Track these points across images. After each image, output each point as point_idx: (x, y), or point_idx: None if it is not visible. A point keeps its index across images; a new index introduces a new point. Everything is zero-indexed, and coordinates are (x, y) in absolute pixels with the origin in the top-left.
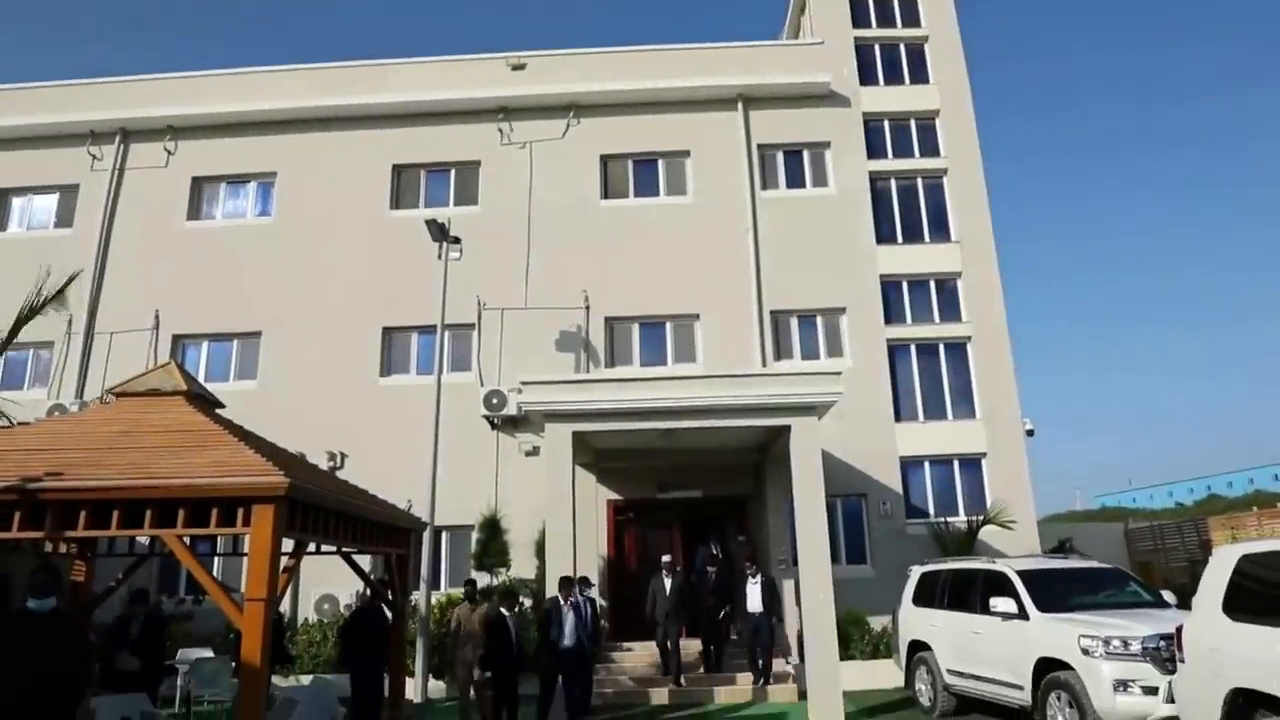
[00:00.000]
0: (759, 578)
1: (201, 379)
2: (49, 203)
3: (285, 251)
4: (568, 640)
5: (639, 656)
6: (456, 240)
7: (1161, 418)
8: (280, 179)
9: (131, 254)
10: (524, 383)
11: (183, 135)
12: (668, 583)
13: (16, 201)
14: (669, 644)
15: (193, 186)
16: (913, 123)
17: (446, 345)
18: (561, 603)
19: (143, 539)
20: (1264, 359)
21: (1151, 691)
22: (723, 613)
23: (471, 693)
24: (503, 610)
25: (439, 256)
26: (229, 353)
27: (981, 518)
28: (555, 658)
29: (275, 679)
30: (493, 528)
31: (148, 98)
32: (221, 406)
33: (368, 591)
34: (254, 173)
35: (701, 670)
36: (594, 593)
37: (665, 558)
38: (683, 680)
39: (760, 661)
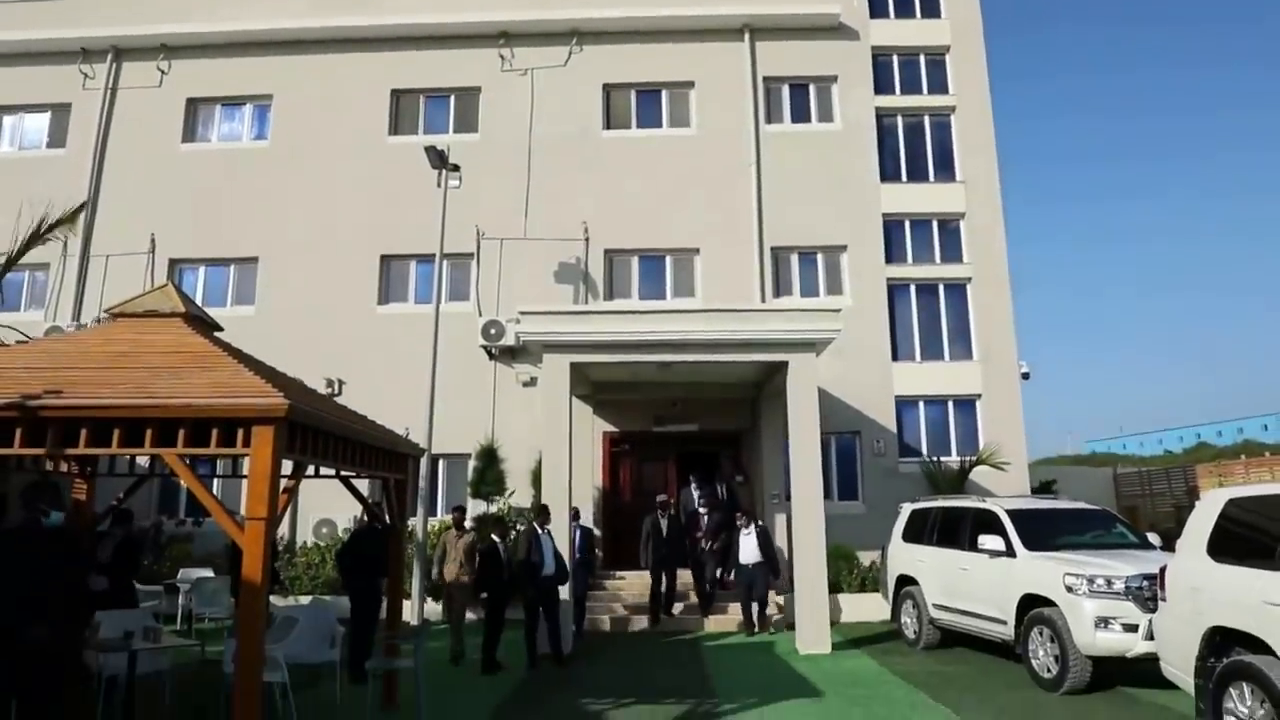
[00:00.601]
0: (753, 528)
1: (199, 304)
2: (40, 122)
3: (282, 176)
4: (548, 568)
5: (632, 585)
6: (456, 168)
7: (1155, 366)
8: (277, 102)
9: (126, 176)
10: (522, 313)
11: (176, 54)
12: (663, 523)
13: (7, 120)
14: (661, 587)
15: (187, 108)
16: (922, 58)
17: (445, 274)
18: (539, 531)
19: (143, 460)
20: (1260, 311)
21: (1132, 629)
22: (720, 569)
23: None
24: (494, 538)
25: (438, 184)
26: (226, 278)
27: (974, 458)
28: (535, 585)
29: (273, 599)
30: (490, 457)
31: (140, 14)
32: (220, 330)
33: (365, 516)
34: (250, 95)
35: (694, 599)
36: (588, 521)
37: (660, 497)
38: (675, 610)
39: (754, 613)
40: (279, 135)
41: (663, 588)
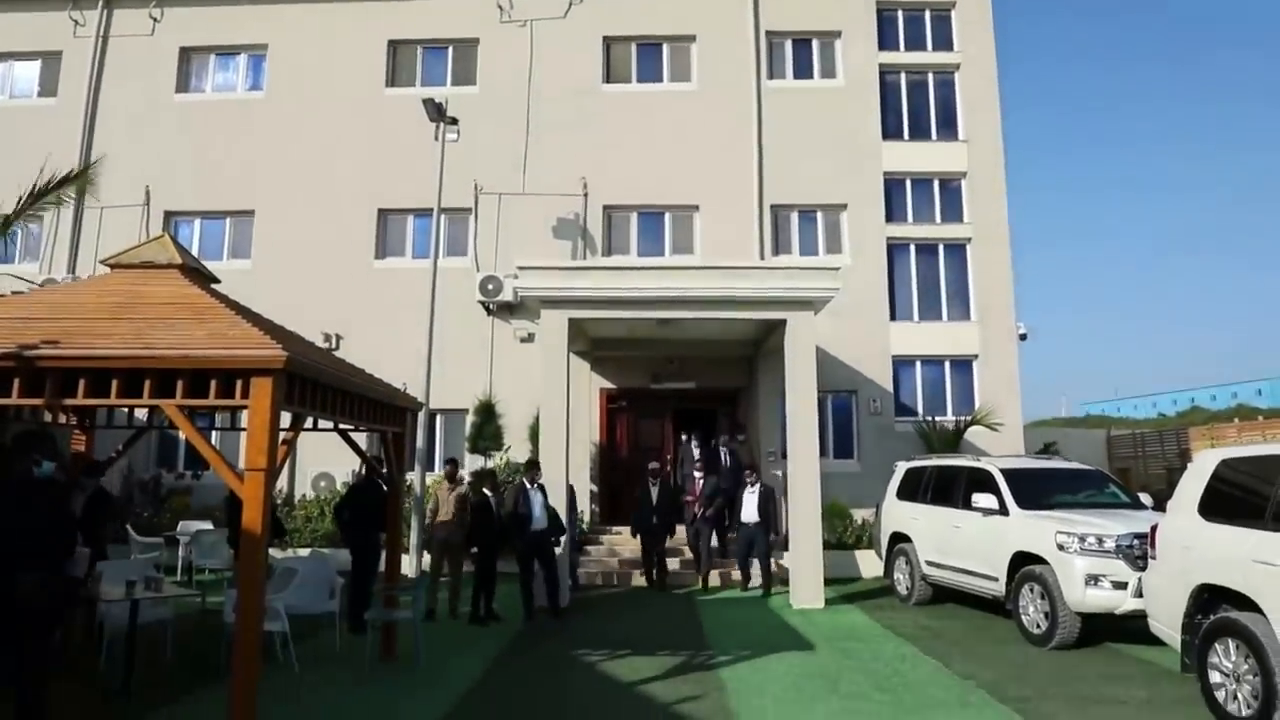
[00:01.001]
0: (758, 486)
1: (195, 257)
2: (31, 71)
3: (278, 128)
4: (537, 522)
5: (627, 541)
6: (454, 121)
7: (1151, 329)
8: (272, 52)
9: (119, 127)
10: (521, 268)
11: (169, 1)
12: (654, 490)
13: None
14: (654, 554)
15: (181, 57)
16: (927, 13)
17: (442, 229)
18: (529, 486)
19: (141, 414)
20: (1253, 276)
21: (1121, 586)
22: (715, 532)
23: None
24: (485, 492)
25: (435, 138)
26: (222, 231)
27: (969, 418)
28: (523, 539)
29: (272, 551)
30: (488, 412)
31: None
32: (217, 281)
33: (364, 470)
34: (244, 44)
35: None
36: (584, 478)
37: (652, 464)
38: (667, 580)
39: (749, 572)
40: (275, 86)
41: (654, 558)
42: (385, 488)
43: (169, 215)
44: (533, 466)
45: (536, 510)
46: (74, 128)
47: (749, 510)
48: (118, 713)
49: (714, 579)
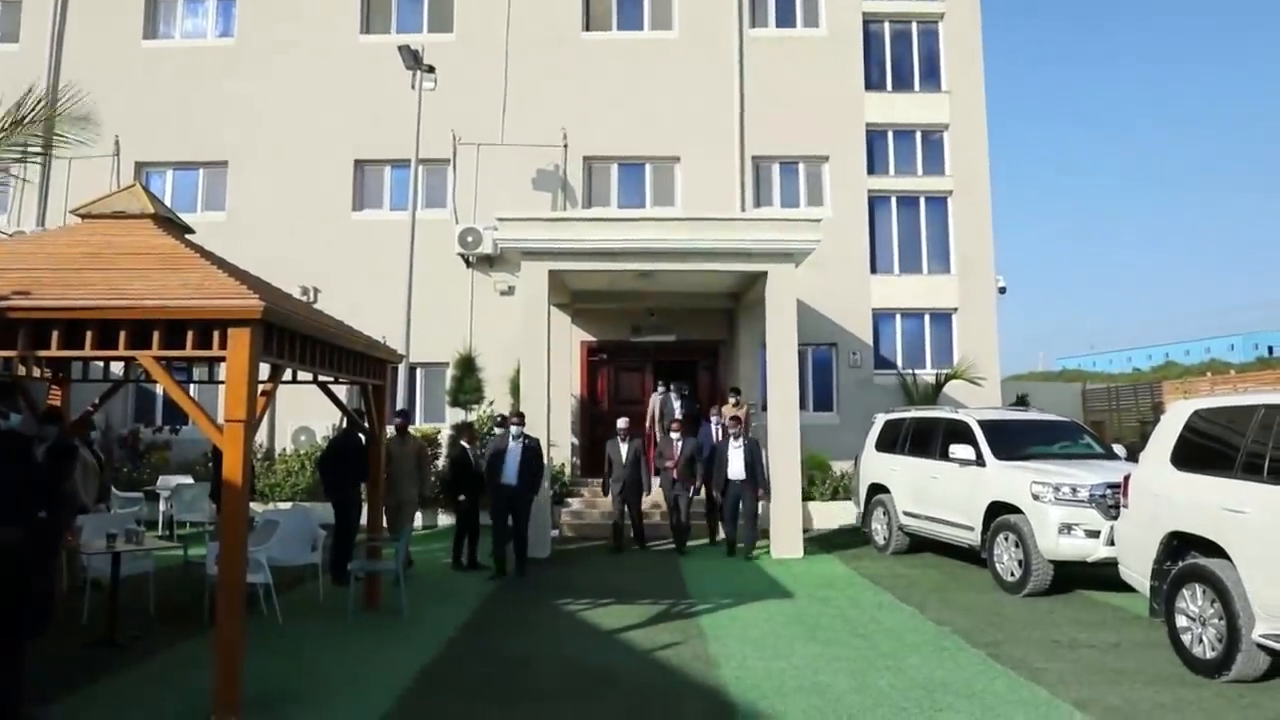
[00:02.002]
0: (742, 440)
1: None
2: None
3: (250, 76)
4: (507, 477)
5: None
6: (431, 69)
7: (1127, 286)
8: None
9: (85, 74)
10: (501, 219)
11: None
12: (624, 448)
13: None
14: (626, 517)
15: (147, 2)
16: None
17: (421, 180)
18: (510, 440)
19: (117, 370)
20: (1230, 233)
21: (1094, 535)
22: (695, 494)
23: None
24: (463, 444)
25: (412, 86)
26: (195, 182)
27: (949, 371)
28: (495, 493)
29: (253, 505)
30: (468, 366)
31: None
32: (191, 232)
33: (344, 423)
34: None
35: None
36: (565, 430)
37: (621, 422)
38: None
39: (731, 531)
40: (245, 33)
41: (626, 520)
42: (366, 441)
43: (140, 166)
44: (507, 421)
45: (510, 465)
46: (37, 74)
47: (735, 466)
48: (103, 664)
49: (695, 533)
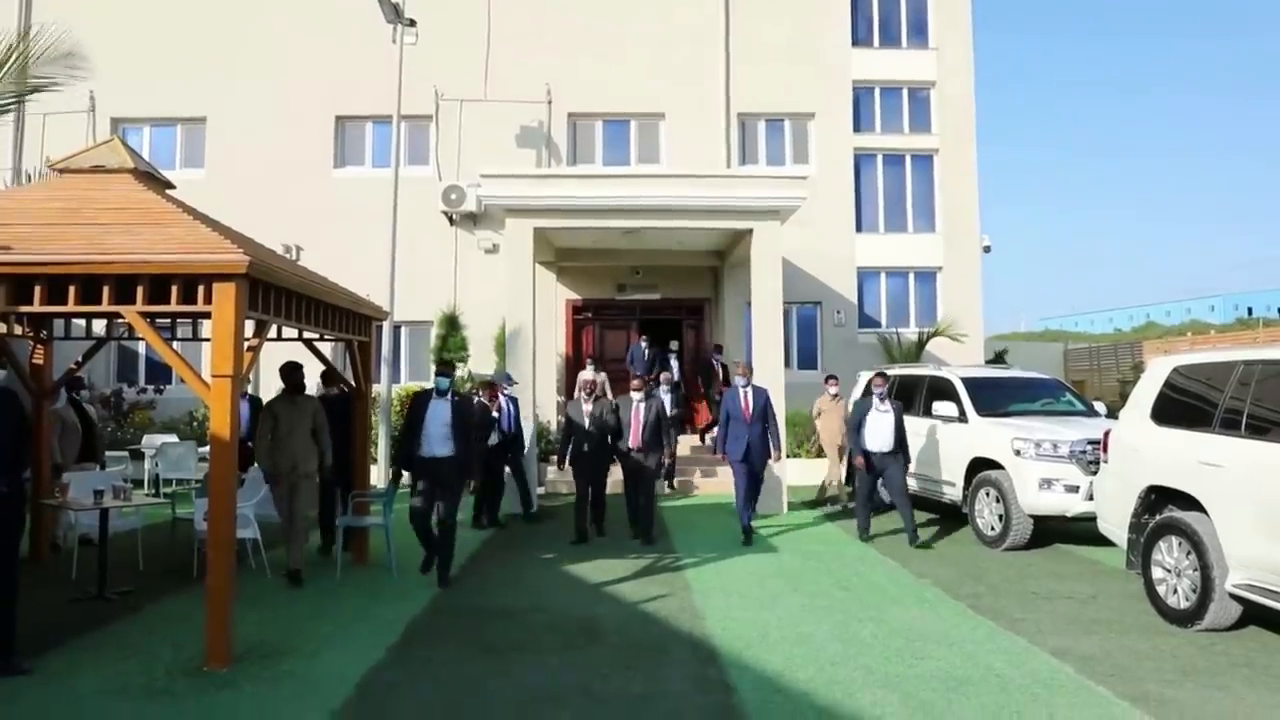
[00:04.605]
0: (889, 404)
1: None
2: None
3: (227, 28)
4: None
5: None
6: (412, 23)
7: (1109, 246)
8: None
9: (56, 24)
10: (484, 176)
11: None
12: (587, 409)
13: None
14: (588, 494)
15: None
16: None
17: (403, 137)
18: (486, 403)
19: (99, 330)
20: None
21: (1073, 489)
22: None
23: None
24: (484, 401)
25: (394, 41)
26: (173, 139)
27: (932, 329)
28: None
29: None
30: (452, 324)
31: None
32: (171, 187)
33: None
34: None
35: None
36: (550, 388)
37: (583, 375)
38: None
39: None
40: None
41: (588, 499)
42: (351, 398)
43: (116, 122)
44: (488, 386)
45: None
46: (5, 22)
47: (884, 436)
48: (94, 618)
49: (679, 489)
